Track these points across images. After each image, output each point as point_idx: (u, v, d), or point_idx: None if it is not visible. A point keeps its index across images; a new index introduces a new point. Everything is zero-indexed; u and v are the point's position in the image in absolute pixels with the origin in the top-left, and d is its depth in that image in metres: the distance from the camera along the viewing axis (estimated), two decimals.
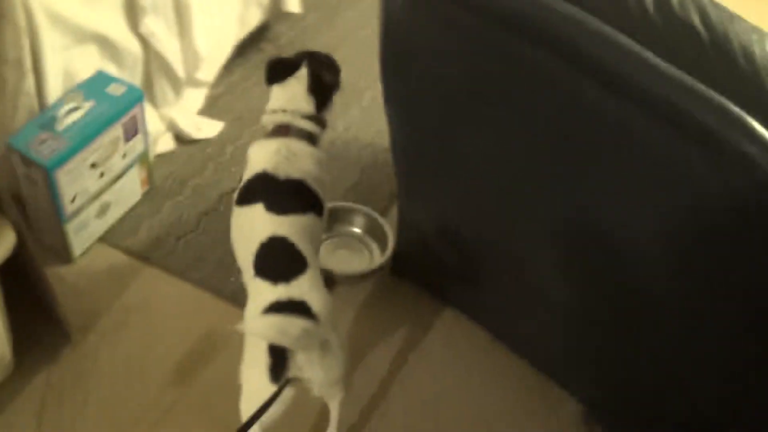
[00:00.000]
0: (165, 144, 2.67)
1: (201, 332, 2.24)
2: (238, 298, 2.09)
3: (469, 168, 1.85)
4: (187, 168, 2.67)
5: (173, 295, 2.33)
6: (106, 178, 2.34)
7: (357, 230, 2.54)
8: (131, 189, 2.49)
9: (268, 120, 2.00)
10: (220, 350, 2.18)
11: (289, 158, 1.89)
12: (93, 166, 2.26)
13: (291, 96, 1.98)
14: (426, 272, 2.34)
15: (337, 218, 2.50)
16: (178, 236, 2.46)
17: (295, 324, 1.52)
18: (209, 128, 2.77)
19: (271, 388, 1.55)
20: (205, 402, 2.07)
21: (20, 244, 1.80)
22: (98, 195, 2.34)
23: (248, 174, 1.91)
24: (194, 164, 2.68)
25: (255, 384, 1.59)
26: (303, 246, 1.73)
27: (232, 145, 2.76)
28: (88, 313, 2.24)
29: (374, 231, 2.50)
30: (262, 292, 1.65)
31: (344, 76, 2.14)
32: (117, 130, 2.28)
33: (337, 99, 2.11)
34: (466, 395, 2.17)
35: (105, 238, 2.44)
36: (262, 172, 1.87)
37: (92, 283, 2.32)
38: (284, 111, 1.97)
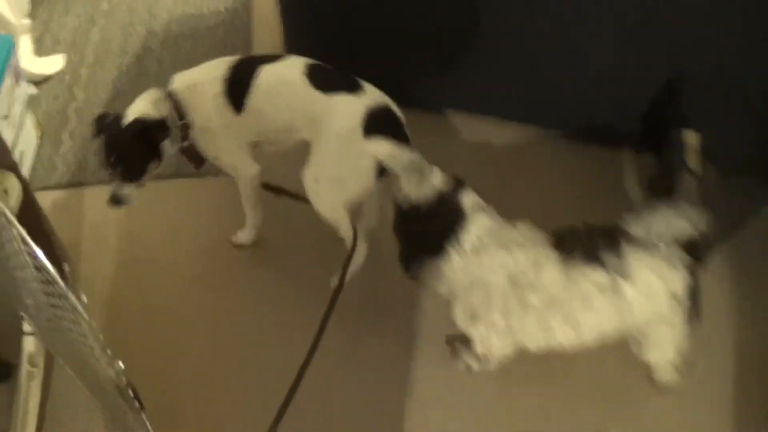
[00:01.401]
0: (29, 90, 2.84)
1: (169, 213, 2.60)
2: (180, 172, 2.57)
3: None
4: (59, 100, 2.90)
5: None
6: (15, 128, 2.54)
7: None
8: (31, 135, 2.70)
9: None
10: (202, 219, 2.58)
11: None
12: (5, 117, 2.45)
13: None
14: None
15: None
16: (94, 151, 2.73)
17: (406, 153, 1.77)
18: (55, 63, 2.97)
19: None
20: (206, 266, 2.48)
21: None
22: (14, 146, 2.53)
23: None
24: (62, 95, 2.91)
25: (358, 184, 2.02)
26: None
27: (83, 67, 2.99)
28: (66, 246, 2.49)
29: None
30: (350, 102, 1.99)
31: None
32: (9, 78, 2.47)
33: None
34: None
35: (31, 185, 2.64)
36: None
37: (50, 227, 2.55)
38: None
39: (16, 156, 2.53)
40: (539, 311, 1.73)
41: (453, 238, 1.73)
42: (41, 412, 2.09)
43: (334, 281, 2.16)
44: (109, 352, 1.46)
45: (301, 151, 2.13)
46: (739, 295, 2.33)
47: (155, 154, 2.10)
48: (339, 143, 2.01)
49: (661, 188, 2.26)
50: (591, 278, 1.68)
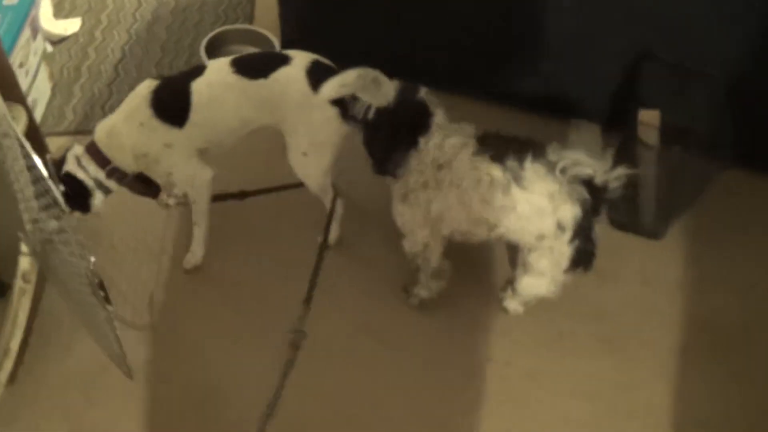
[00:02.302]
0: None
1: None
2: None
3: None
4: (73, 59, 3.16)
5: None
6: (30, 77, 2.79)
7: None
8: (44, 85, 2.95)
9: None
10: None
11: None
12: (21, 65, 2.70)
13: None
14: None
15: None
16: (101, 105, 2.99)
17: (351, 73, 1.96)
18: (72, 24, 3.23)
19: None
20: None
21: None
22: (28, 93, 2.78)
23: None
24: (76, 54, 3.17)
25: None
26: None
27: (98, 31, 3.24)
28: None
29: None
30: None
31: None
32: (28, 31, 2.72)
33: None
34: None
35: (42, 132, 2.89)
36: None
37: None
38: None
39: (29, 103, 2.78)
40: (447, 188, 2.02)
41: (424, 129, 2.04)
42: (29, 326, 2.32)
43: (320, 238, 2.30)
44: (82, 248, 1.69)
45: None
46: (693, 268, 2.49)
47: (82, 206, 2.23)
48: (302, 111, 2.16)
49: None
50: (489, 171, 1.95)
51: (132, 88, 2.25)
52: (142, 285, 2.28)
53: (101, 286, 1.72)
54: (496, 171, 1.95)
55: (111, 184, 2.24)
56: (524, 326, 2.35)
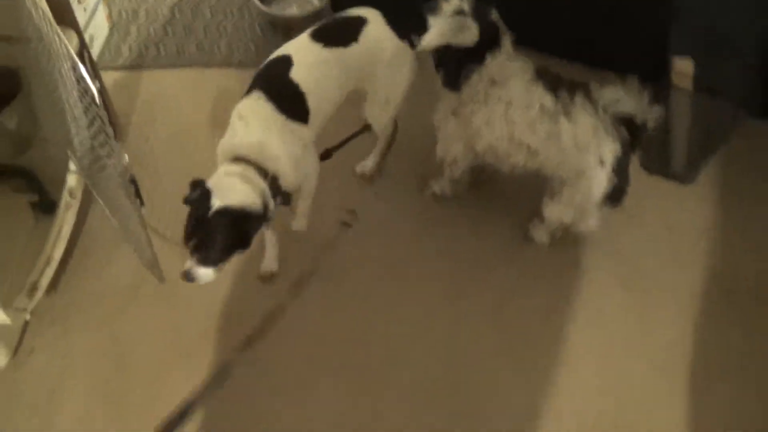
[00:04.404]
0: None
1: (213, 95, 2.95)
2: (228, 61, 2.88)
3: None
4: (132, 3, 3.27)
5: (178, 80, 3.01)
6: (88, 13, 2.92)
7: None
8: (101, 24, 3.09)
9: None
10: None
11: None
12: (79, 2, 2.83)
13: None
14: None
15: None
16: (155, 43, 3.12)
17: (445, 22, 2.05)
18: None
19: None
20: None
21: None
22: (85, 28, 2.92)
23: None
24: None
25: None
26: None
27: None
28: (119, 116, 2.86)
29: None
30: None
31: None
32: None
33: None
34: None
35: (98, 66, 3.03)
36: None
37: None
38: None
39: (86, 39, 2.91)
40: (494, 103, 2.08)
41: (493, 47, 2.10)
42: (72, 239, 2.46)
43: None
44: (118, 145, 1.79)
45: None
46: (717, 217, 2.50)
47: (244, 243, 1.88)
48: (393, 64, 2.23)
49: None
50: (541, 98, 2.02)
51: (187, 28, 2.30)
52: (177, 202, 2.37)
53: (134, 183, 1.82)
54: (548, 99, 2.02)
55: (275, 204, 1.99)
56: (545, 260, 2.39)
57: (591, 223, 2.20)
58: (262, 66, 2.15)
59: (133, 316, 2.35)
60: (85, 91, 1.75)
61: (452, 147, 2.28)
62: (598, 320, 2.27)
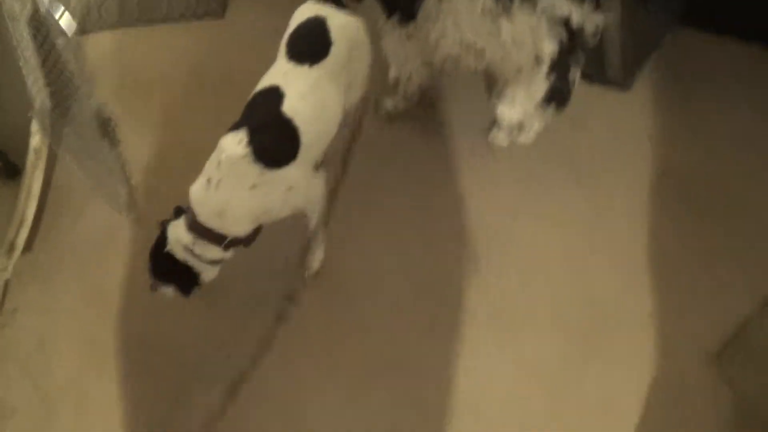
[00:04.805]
0: None
1: (160, 52, 2.98)
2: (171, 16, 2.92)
3: None
4: None
5: (122, 40, 3.05)
6: None
7: None
8: None
9: None
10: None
11: None
12: None
13: None
14: None
15: None
16: (97, 6, 3.11)
17: None
18: None
19: None
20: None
21: None
22: None
23: None
24: None
25: None
26: None
27: None
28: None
29: None
30: None
31: None
32: None
33: None
34: None
35: None
36: None
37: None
38: None
39: None
40: (444, 16, 2.20)
41: None
42: (42, 198, 2.50)
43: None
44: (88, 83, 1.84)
45: None
46: (659, 120, 2.62)
47: (187, 287, 2.04)
48: (359, 49, 2.18)
49: None
50: (483, 1, 2.12)
51: None
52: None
53: (110, 120, 1.88)
54: (489, 2, 2.12)
55: (228, 254, 2.02)
56: (502, 169, 2.51)
57: (536, 127, 2.33)
58: (250, 98, 2.02)
59: (112, 264, 2.40)
60: (44, 34, 1.80)
61: (407, 65, 2.39)
62: (560, 220, 2.40)
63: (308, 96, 1.97)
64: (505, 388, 2.10)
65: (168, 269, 1.99)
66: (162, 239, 1.98)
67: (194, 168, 1.96)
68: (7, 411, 2.20)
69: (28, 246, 2.42)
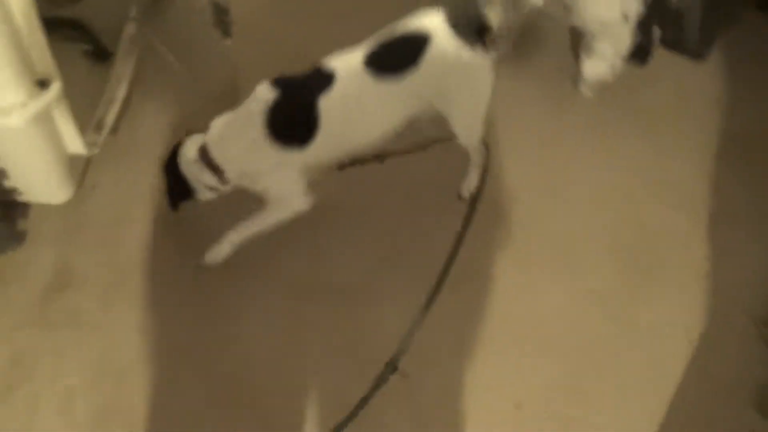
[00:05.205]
0: None
1: None
2: None
3: None
4: None
5: None
6: None
7: None
8: None
9: None
10: None
11: None
12: None
13: None
14: None
15: None
16: None
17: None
18: None
19: None
20: None
21: None
22: None
23: None
24: None
25: None
26: None
27: None
28: None
29: None
30: None
31: None
32: None
33: None
34: None
35: None
36: None
37: None
38: None
39: None
40: None
41: None
42: (132, 84, 2.57)
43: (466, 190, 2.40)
44: None
45: None
46: (728, 88, 2.74)
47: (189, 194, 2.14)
48: (466, 78, 2.04)
49: None
50: None
51: None
52: None
53: (226, 12, 1.94)
54: None
55: (226, 188, 2.13)
56: (571, 112, 2.63)
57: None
58: (313, 66, 2.01)
59: None
60: None
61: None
62: (622, 165, 2.50)
63: (351, 102, 1.95)
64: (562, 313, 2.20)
65: (171, 173, 2.12)
66: (179, 147, 2.11)
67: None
68: (79, 279, 2.30)
69: (115, 127, 2.50)
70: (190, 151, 2.06)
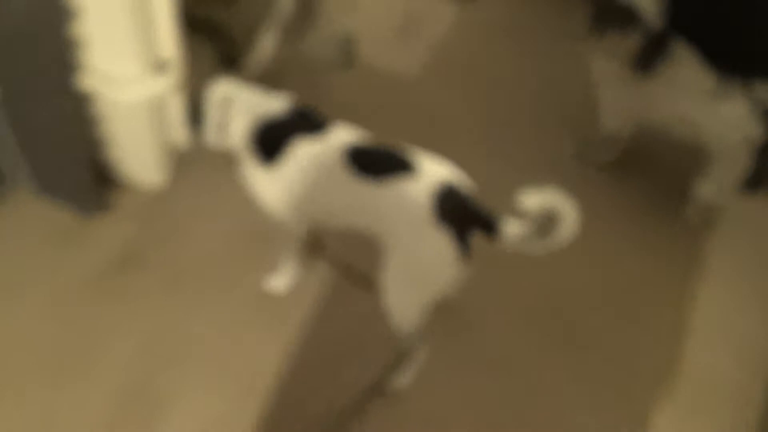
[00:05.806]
0: None
1: None
2: None
3: None
4: None
5: None
6: None
7: None
8: None
9: None
10: None
11: None
12: None
13: None
14: None
15: None
16: None
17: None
18: None
19: None
20: None
21: None
22: None
23: None
24: None
25: None
26: None
27: None
28: None
29: None
30: None
31: None
32: None
33: None
34: None
35: None
36: None
37: None
38: None
39: None
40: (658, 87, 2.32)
41: None
42: None
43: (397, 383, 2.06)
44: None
45: None
46: None
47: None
48: (412, 235, 1.75)
49: None
50: (706, 79, 2.21)
51: None
52: None
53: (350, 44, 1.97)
54: (711, 81, 2.22)
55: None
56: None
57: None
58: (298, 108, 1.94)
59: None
60: None
61: (621, 117, 2.50)
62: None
63: (313, 163, 1.84)
64: None
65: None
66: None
67: None
68: (147, 260, 2.35)
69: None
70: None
